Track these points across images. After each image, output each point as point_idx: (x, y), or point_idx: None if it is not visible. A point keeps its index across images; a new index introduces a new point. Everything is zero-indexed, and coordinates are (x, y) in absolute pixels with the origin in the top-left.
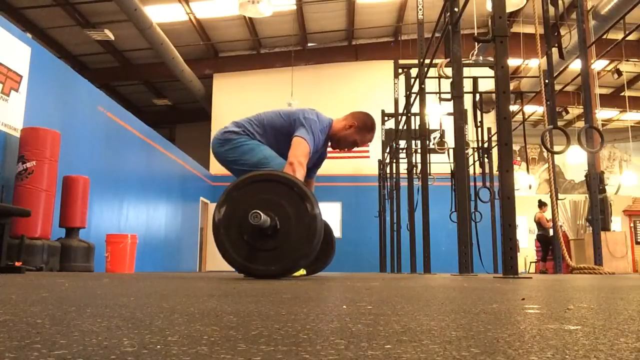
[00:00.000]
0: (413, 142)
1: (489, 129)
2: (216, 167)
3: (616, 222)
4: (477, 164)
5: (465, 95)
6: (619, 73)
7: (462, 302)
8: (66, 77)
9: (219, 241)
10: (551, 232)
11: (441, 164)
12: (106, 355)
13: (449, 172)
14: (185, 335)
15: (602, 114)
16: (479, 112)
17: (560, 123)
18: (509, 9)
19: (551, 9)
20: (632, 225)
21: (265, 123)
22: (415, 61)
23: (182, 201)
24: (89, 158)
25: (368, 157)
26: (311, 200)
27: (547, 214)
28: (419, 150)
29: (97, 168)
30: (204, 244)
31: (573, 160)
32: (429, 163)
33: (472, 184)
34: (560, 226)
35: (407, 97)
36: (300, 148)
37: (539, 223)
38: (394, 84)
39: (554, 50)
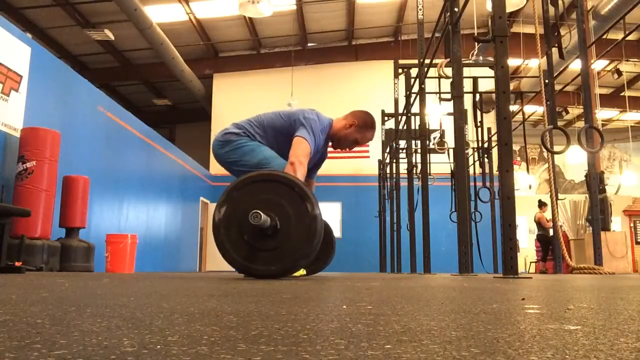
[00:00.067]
0: (413, 142)
1: (489, 129)
2: (216, 167)
3: (616, 222)
4: (477, 164)
5: (465, 95)
6: (619, 73)
7: (462, 302)
8: (66, 77)
9: (219, 241)
10: (551, 232)
11: (441, 164)
12: (106, 355)
13: (449, 172)
14: (185, 335)
15: (602, 114)
16: (479, 112)
17: (560, 123)
18: (509, 9)
19: (551, 9)
20: (632, 225)
21: (265, 124)
22: (415, 61)
23: (182, 201)
24: (89, 158)
25: (368, 157)
26: (311, 201)
27: (547, 214)
28: (419, 150)
29: (97, 168)
30: (204, 244)
31: (573, 160)
32: (429, 163)
33: (472, 184)
34: (560, 226)
35: (407, 97)
36: (301, 148)
37: (539, 223)
38: (394, 84)
39: (554, 50)
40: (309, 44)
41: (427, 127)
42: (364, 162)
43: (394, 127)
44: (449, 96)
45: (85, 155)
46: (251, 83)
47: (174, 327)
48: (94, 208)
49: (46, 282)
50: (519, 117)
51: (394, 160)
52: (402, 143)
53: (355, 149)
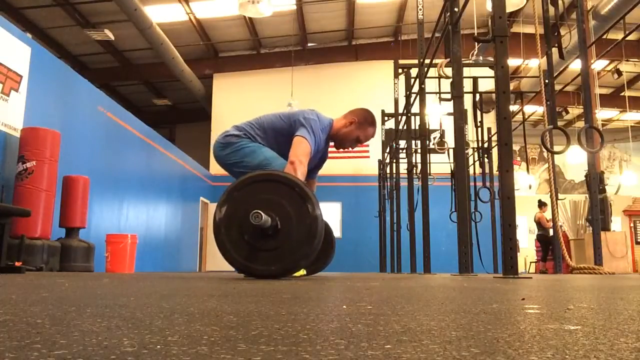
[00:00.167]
0: (413, 142)
1: (489, 129)
2: (216, 167)
3: (616, 222)
4: (477, 164)
5: (465, 95)
6: (619, 73)
7: (462, 302)
8: (66, 77)
9: (219, 241)
10: (551, 232)
11: (441, 164)
12: (106, 355)
13: (449, 172)
14: (185, 335)
15: (602, 114)
16: (479, 112)
17: (560, 123)
18: (509, 9)
19: (551, 9)
20: (632, 225)
21: (265, 126)
22: (415, 61)
23: (182, 201)
24: (89, 158)
25: (368, 157)
26: (312, 201)
27: (547, 214)
28: (419, 150)
29: (97, 168)
30: (204, 244)
31: (573, 160)
32: (429, 163)
33: (472, 184)
34: (560, 226)
35: (407, 97)
36: (301, 147)
37: (539, 223)
38: (394, 84)
39: (554, 50)
40: (309, 44)
41: (427, 127)
42: (364, 162)
43: (394, 127)
44: (449, 96)
45: (85, 155)
46: (251, 83)
47: (174, 327)
48: (94, 208)
49: (46, 282)
50: (519, 117)
51: (394, 160)
52: (402, 143)
53: (356, 149)
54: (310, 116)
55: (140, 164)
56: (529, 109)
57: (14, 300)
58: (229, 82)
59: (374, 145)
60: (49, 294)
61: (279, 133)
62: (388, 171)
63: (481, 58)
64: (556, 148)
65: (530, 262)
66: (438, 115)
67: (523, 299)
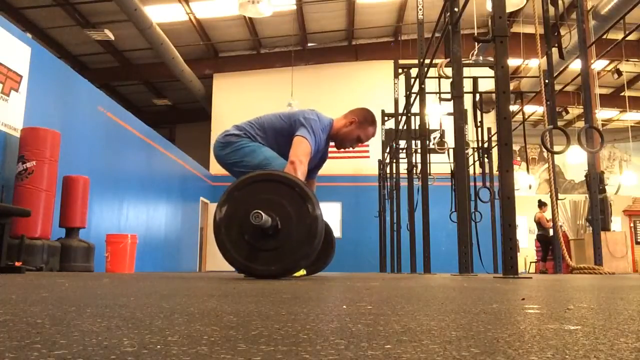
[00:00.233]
0: (413, 142)
1: (489, 129)
2: (216, 167)
3: (616, 222)
4: (477, 164)
5: (465, 95)
6: (619, 73)
7: (462, 302)
8: (66, 77)
9: (219, 241)
10: (551, 232)
11: (441, 164)
12: (106, 355)
13: (449, 172)
14: (185, 335)
15: (602, 114)
16: (479, 112)
17: (560, 123)
18: (509, 9)
19: (551, 9)
20: (632, 225)
21: (266, 125)
22: (415, 61)
23: (182, 201)
24: (89, 158)
25: (368, 157)
26: (312, 201)
27: (547, 214)
28: (419, 150)
29: (97, 168)
30: (204, 244)
31: (573, 160)
32: (429, 163)
33: (472, 184)
34: (560, 226)
35: (407, 97)
36: (302, 147)
37: (539, 223)
38: (394, 84)
39: (554, 50)
40: (309, 44)
41: (427, 127)
42: (364, 162)
43: (394, 127)
44: (449, 96)
45: (85, 155)
46: (251, 83)
47: (174, 327)
48: (94, 208)
49: (46, 282)
50: (519, 117)
51: (394, 160)
52: (402, 143)
53: (356, 149)
54: (311, 116)
55: (140, 164)
56: (529, 109)
57: (14, 300)
58: (229, 82)
59: (374, 145)
60: (49, 294)
61: (279, 133)
62: (388, 171)
63: (481, 58)
64: (556, 148)
65: (530, 262)
66: (438, 115)
67: (523, 299)
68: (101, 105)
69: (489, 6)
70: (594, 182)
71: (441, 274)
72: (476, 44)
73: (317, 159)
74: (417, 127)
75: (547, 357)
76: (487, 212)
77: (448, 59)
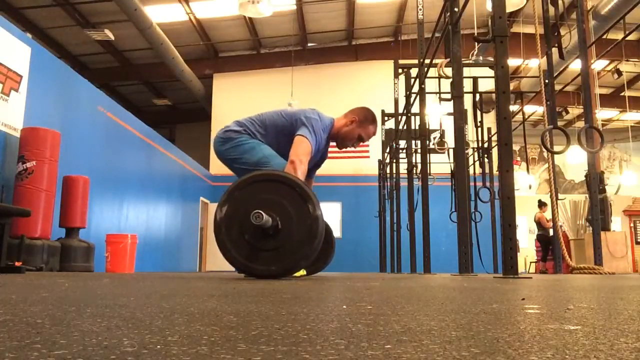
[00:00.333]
0: (413, 142)
1: (489, 129)
2: (216, 167)
3: (616, 222)
4: (477, 164)
5: (465, 95)
6: (619, 73)
7: (462, 302)
8: (66, 77)
9: (220, 240)
10: (551, 232)
11: (441, 164)
12: (106, 355)
13: (449, 172)
14: (185, 335)
15: (602, 114)
16: (479, 112)
17: (560, 123)
18: (509, 9)
19: (551, 9)
20: (632, 225)
21: (267, 123)
22: (415, 61)
23: (182, 201)
24: (89, 158)
25: (368, 157)
26: (313, 202)
27: (547, 214)
28: (419, 150)
29: (97, 168)
30: (204, 244)
31: (573, 160)
32: (429, 163)
33: (472, 184)
34: (560, 226)
35: (407, 97)
36: (302, 147)
37: (539, 223)
38: (394, 84)
39: (554, 50)
40: (309, 44)
41: (427, 127)
42: (364, 162)
43: (394, 127)
44: (449, 96)
45: (85, 155)
46: (251, 83)
47: (174, 327)
48: (94, 208)
49: (46, 282)
50: (519, 117)
51: (394, 160)
52: (402, 143)
53: (356, 148)
54: (312, 115)
55: (140, 164)
56: (529, 109)
57: (14, 300)
58: (229, 82)
59: (374, 145)
60: (49, 294)
61: (280, 131)
62: (388, 171)
63: (481, 58)
64: (556, 148)
65: (530, 262)
66: (438, 115)
67: (523, 299)
68: (101, 105)
69: (489, 6)
70: (594, 182)
71: (441, 274)
72: (476, 44)
73: (317, 158)
74: (417, 127)
75: (547, 357)
76: (487, 212)
77: (448, 59)
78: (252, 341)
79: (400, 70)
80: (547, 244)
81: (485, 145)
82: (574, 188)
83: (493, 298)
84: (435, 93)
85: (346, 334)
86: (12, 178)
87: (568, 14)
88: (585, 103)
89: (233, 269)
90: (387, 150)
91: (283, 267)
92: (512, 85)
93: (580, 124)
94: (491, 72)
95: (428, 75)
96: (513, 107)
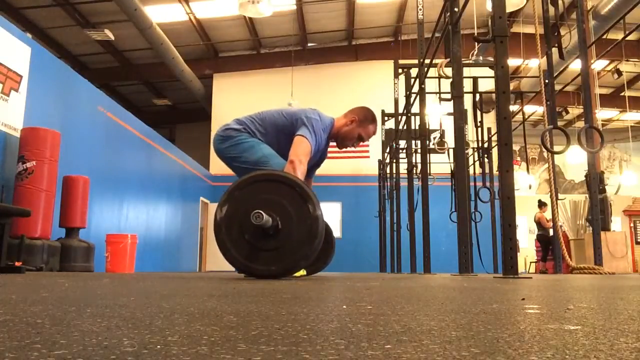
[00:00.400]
0: (413, 142)
1: (489, 129)
2: (216, 167)
3: (616, 222)
4: (477, 164)
5: (465, 95)
6: (619, 73)
7: (462, 302)
8: (66, 77)
9: (220, 240)
10: (551, 232)
11: (441, 164)
12: (106, 355)
13: (449, 172)
14: (185, 335)
15: (602, 114)
16: (479, 112)
17: (560, 123)
18: (509, 9)
19: (551, 9)
20: (632, 225)
21: (267, 122)
22: (415, 61)
23: (182, 201)
24: (89, 158)
25: (368, 157)
26: (313, 202)
27: (547, 214)
28: (419, 150)
29: (97, 168)
30: (204, 244)
31: (573, 160)
32: (429, 163)
33: (472, 184)
34: (560, 226)
35: (407, 97)
36: (302, 147)
37: (539, 223)
38: (394, 84)
39: (554, 50)
40: (309, 44)
41: (427, 127)
42: (364, 162)
43: (394, 127)
44: (449, 96)
45: (85, 155)
46: (251, 83)
47: (174, 327)
48: (94, 208)
49: (46, 282)
50: (519, 117)
51: (394, 160)
52: (402, 143)
53: (356, 148)
54: (312, 115)
55: (140, 164)
56: (529, 109)
57: (14, 300)
58: (229, 82)
59: (374, 145)
60: (49, 294)
61: (280, 130)
62: (388, 171)
63: (481, 58)
64: (556, 148)
65: (530, 262)
66: (438, 115)
67: (523, 299)
68: (101, 105)
69: (489, 6)
70: (594, 182)
71: (441, 274)
72: (476, 44)
73: (317, 158)
74: (417, 127)
75: (547, 357)
76: (487, 212)
77: (448, 59)
78: (252, 341)
79: (400, 70)
80: (547, 244)
81: (485, 145)
82: (574, 188)
83: (493, 298)
84: (435, 93)
85: (346, 334)
86: (12, 178)
87: (568, 14)
88: (585, 103)
89: (233, 269)
90: (387, 150)
91: (283, 267)
92: (512, 85)
93: (580, 124)
94: (491, 72)
95: (428, 75)
96: (513, 107)
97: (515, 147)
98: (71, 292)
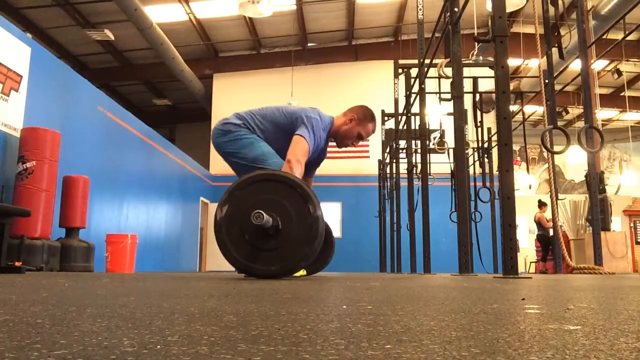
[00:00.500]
0: (413, 142)
1: (489, 129)
2: (216, 168)
3: (616, 222)
4: (477, 164)
5: (465, 95)
6: (619, 73)
7: (462, 302)
8: (66, 77)
9: (220, 240)
10: (551, 232)
11: (441, 164)
12: (106, 355)
13: (449, 172)
14: (185, 335)
15: (602, 114)
16: (479, 112)
17: (560, 123)
18: (509, 9)
19: (551, 9)
20: (632, 225)
21: (267, 118)
22: (415, 61)
23: (182, 201)
24: (89, 158)
25: (368, 157)
26: (314, 202)
27: (547, 214)
28: (419, 150)
29: (97, 168)
30: (204, 244)
31: (573, 160)
32: (429, 163)
33: (472, 184)
34: (560, 226)
35: (407, 97)
36: (300, 146)
37: (539, 223)
38: (394, 84)
39: (554, 50)
40: (309, 44)
41: (427, 127)
42: (364, 162)
43: (394, 127)
44: (449, 96)
45: (85, 155)
46: (251, 83)
47: (174, 327)
48: (94, 208)
49: (46, 282)
50: (519, 117)
51: (394, 160)
52: (402, 143)
53: (356, 148)
54: (312, 115)
55: (140, 164)
56: (529, 109)
57: (14, 300)
58: (229, 82)
59: (374, 145)
60: (49, 294)
61: (280, 128)
62: (388, 171)
63: (481, 58)
64: (556, 148)
65: (530, 262)
66: (438, 115)
67: (523, 299)
68: (101, 105)
69: (489, 6)
70: (594, 182)
71: (441, 274)
72: (476, 44)
73: (316, 156)
74: (417, 127)
75: (547, 357)
76: (487, 212)
77: (448, 59)
78: (252, 341)
79: (400, 70)
80: (547, 244)
81: (485, 145)
82: (574, 188)
83: (493, 298)
84: (435, 93)
85: (346, 334)
86: (12, 178)
87: (568, 14)
88: (585, 103)
89: (233, 269)
90: (387, 150)
91: (283, 267)
92: (512, 85)
93: (580, 124)
94: (491, 72)
95: (428, 75)
96: (513, 107)
97: (515, 147)
98: (71, 292)
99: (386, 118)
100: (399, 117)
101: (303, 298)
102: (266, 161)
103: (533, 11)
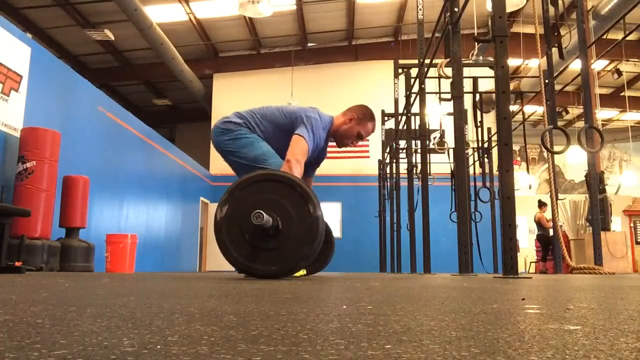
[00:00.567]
0: (413, 142)
1: (489, 129)
2: (216, 168)
3: (616, 222)
4: (477, 164)
5: (465, 95)
6: (619, 73)
7: (462, 302)
8: (66, 77)
9: (220, 240)
10: (551, 232)
11: (441, 164)
12: (106, 355)
13: (449, 172)
14: (185, 335)
15: (602, 114)
16: (479, 112)
17: (560, 123)
18: (509, 9)
19: (551, 9)
20: (632, 225)
21: (267, 118)
22: (415, 61)
23: (182, 201)
24: (89, 158)
25: (368, 157)
26: (314, 202)
27: (547, 214)
28: (419, 150)
29: (97, 168)
30: (204, 244)
31: (573, 160)
32: (429, 163)
33: (472, 184)
34: (560, 226)
35: (407, 97)
36: (299, 146)
37: (539, 223)
38: (394, 84)
39: (554, 50)
40: (309, 44)
41: (427, 127)
42: (364, 162)
43: (394, 127)
44: (449, 96)
45: (85, 155)
46: (251, 83)
47: (174, 327)
48: (94, 208)
49: (46, 282)
50: (519, 117)
51: (394, 160)
52: (402, 143)
53: (355, 148)
54: (312, 114)
55: (140, 164)
56: (529, 109)
57: (14, 300)
58: (229, 82)
59: (374, 145)
60: (49, 294)
61: (280, 128)
62: (388, 171)
63: (481, 58)
64: (556, 148)
65: (530, 262)
66: (438, 115)
67: (523, 299)
68: (101, 105)
69: (489, 6)
70: (594, 182)
71: (441, 274)
72: (476, 44)
73: (315, 156)
74: (417, 127)
75: (547, 357)
76: (487, 212)
77: (448, 59)
78: (252, 341)
79: (400, 70)
80: (547, 244)
81: (485, 145)
82: (574, 188)
83: (493, 298)
84: (435, 93)
85: (346, 334)
86: (12, 178)
87: (568, 14)
88: (585, 103)
89: (233, 269)
90: (387, 150)
91: (283, 267)
92: (512, 85)
93: (580, 124)
94: (491, 72)
95: (428, 75)
96: (513, 107)
97: (515, 147)
98: (71, 292)
99: (386, 118)
100: (399, 117)
101: (303, 298)
102: (266, 161)
103: (533, 11)
